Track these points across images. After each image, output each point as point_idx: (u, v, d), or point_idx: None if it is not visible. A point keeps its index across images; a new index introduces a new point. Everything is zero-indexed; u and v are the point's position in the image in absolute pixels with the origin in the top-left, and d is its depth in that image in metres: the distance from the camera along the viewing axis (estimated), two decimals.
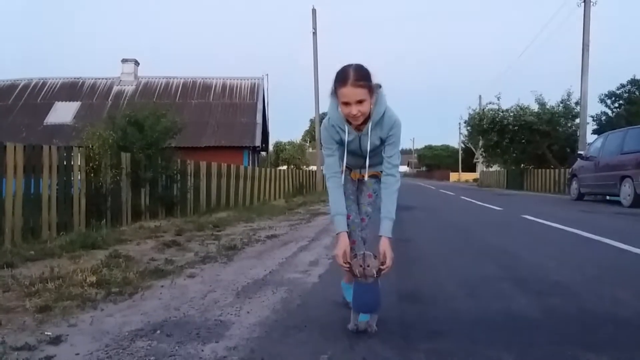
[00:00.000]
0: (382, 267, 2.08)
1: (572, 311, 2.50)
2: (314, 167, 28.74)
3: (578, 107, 19.93)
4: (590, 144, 14.00)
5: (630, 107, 16.68)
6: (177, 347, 2.02)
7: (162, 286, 3.13)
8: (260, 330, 2.22)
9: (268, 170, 15.35)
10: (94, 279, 3.15)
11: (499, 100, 25.51)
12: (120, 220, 7.77)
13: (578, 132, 19.27)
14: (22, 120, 20.59)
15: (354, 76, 2.04)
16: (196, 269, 3.68)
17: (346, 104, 2.08)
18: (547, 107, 23.61)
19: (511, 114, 24.30)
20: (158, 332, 2.22)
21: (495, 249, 4.65)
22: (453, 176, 59.91)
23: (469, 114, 27.43)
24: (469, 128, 28.96)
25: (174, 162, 9.28)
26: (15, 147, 5.87)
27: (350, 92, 2.05)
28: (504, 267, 3.70)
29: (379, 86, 2.18)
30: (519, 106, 24.51)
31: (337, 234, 2.22)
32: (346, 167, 2.36)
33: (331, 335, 2.13)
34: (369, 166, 2.33)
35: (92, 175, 7.18)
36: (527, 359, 1.84)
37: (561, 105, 23.52)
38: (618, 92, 18.22)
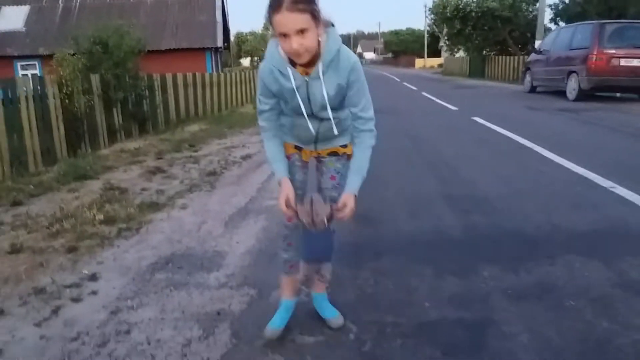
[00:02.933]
0: (339, 214, 1.84)
1: (487, 228, 3.27)
2: None
3: None
4: (544, 39, 14.51)
5: None
6: (188, 277, 2.70)
7: (161, 220, 3.75)
8: (250, 259, 2.91)
9: (233, 74, 15.40)
10: (101, 216, 3.74)
11: None
12: (97, 142, 8.18)
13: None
14: None
15: None
16: (186, 199, 4.29)
17: (284, 35, 1.62)
18: None
19: (474, 1, 24.54)
20: (170, 264, 2.89)
21: (439, 162, 5.36)
22: (419, 62, 59.83)
23: (434, 1, 27.40)
24: (433, 16, 28.99)
25: (141, 78, 9.46)
26: None
27: (286, 18, 1.57)
28: (442, 182, 4.45)
29: (331, 24, 1.75)
30: None
31: (279, 182, 1.91)
32: (295, 147, 2.00)
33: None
34: (325, 140, 1.93)
35: (67, 101, 7.44)
36: (441, 273, 2.59)
37: None
38: None
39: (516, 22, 23.90)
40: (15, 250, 3.18)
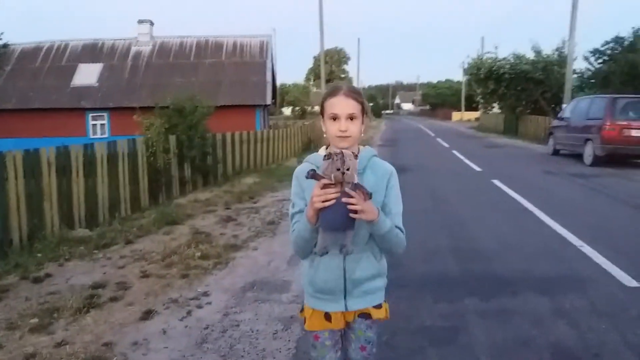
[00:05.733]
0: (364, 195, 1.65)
1: (477, 272, 4.52)
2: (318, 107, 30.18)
3: None
4: (565, 107, 15.73)
5: (611, 63, 18.13)
6: (268, 296, 4.07)
7: (241, 257, 5.17)
8: None
9: (279, 131, 17.13)
10: (199, 253, 5.18)
11: (496, 49, 27.23)
12: (171, 192, 9.83)
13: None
14: (51, 82, 22.30)
15: (347, 87, 1.83)
16: (255, 243, 5.71)
17: (334, 118, 1.79)
18: (543, 55, 25.14)
19: (507, 64, 25.93)
20: (255, 287, 4.27)
21: (454, 221, 6.63)
22: (455, 115, 61.26)
23: (468, 63, 29.04)
24: (468, 77, 30.60)
25: (208, 138, 11.18)
26: (99, 144, 7.84)
27: (342, 101, 1.78)
28: (453, 238, 5.72)
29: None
30: (515, 55, 26.11)
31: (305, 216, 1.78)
32: (324, 316, 1.95)
33: None
34: (355, 284, 1.90)
35: (151, 158, 9.14)
36: (438, 301, 3.87)
37: (556, 53, 25.04)
38: (602, 49, 19.59)
39: (548, 84, 25.03)
40: (145, 275, 4.65)
